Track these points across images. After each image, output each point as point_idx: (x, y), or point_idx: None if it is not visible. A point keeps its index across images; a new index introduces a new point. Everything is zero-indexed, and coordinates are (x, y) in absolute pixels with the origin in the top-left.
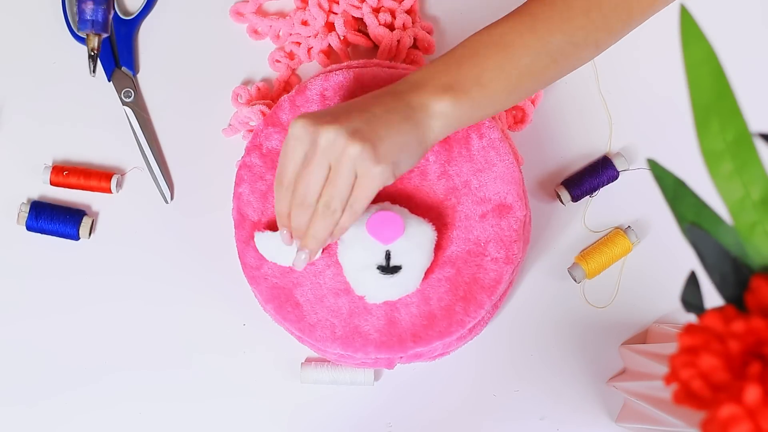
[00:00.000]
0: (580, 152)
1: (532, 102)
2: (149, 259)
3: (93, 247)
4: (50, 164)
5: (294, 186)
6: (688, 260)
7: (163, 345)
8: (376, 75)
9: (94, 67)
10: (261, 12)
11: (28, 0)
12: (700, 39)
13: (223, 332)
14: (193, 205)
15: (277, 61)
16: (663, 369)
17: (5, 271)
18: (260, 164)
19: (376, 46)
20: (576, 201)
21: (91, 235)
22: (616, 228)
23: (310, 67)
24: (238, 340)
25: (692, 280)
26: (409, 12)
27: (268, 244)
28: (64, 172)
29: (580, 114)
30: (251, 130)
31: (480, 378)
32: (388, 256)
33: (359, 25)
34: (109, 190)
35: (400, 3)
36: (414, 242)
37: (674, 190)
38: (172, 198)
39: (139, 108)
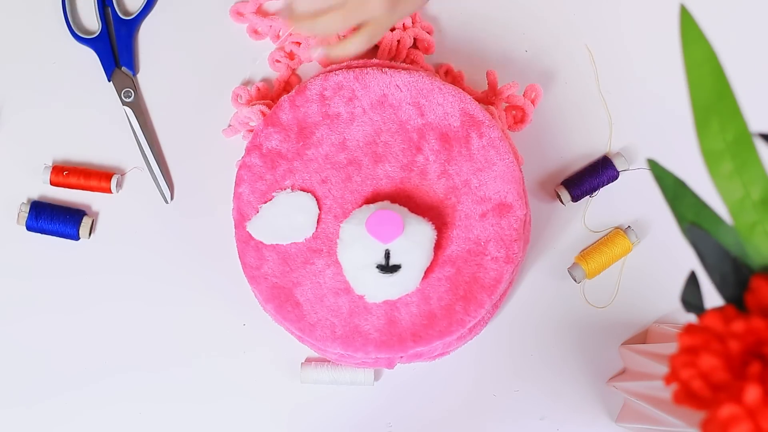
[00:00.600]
0: (580, 152)
1: (532, 102)
2: (149, 259)
3: (93, 247)
4: (50, 164)
5: None
6: (688, 260)
7: (163, 345)
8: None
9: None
10: (261, 12)
11: (28, 0)
12: (700, 39)
13: (223, 332)
14: (193, 205)
15: (277, 61)
16: (663, 369)
17: (5, 271)
18: (260, 164)
19: (376, 46)
20: (576, 201)
21: (91, 235)
22: (616, 228)
23: (310, 67)
24: (238, 340)
25: (692, 280)
26: None
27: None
28: (64, 172)
29: (580, 114)
30: (251, 130)
31: (480, 378)
32: (387, 255)
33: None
34: (109, 190)
35: None
36: (414, 241)
37: (674, 190)
38: (172, 198)
39: (139, 108)
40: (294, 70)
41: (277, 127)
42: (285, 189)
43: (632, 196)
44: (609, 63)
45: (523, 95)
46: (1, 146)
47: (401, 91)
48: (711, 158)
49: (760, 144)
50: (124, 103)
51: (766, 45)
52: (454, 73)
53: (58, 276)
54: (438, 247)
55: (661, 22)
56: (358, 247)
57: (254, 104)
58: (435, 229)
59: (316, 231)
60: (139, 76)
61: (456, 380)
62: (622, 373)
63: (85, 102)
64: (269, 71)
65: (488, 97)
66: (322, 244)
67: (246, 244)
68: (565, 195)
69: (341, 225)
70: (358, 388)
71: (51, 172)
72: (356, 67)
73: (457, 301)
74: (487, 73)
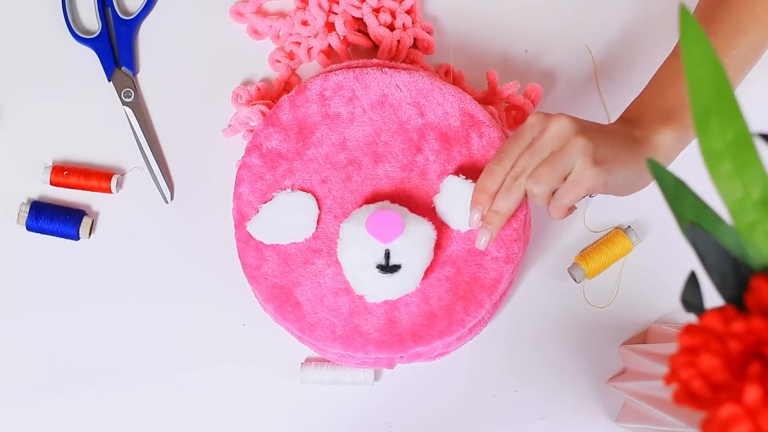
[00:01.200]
0: None
1: (533, 102)
2: (149, 259)
3: (93, 247)
4: (50, 164)
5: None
6: (688, 260)
7: (162, 345)
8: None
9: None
10: (261, 12)
11: (28, 0)
12: (700, 39)
13: (223, 332)
14: (193, 205)
15: (277, 61)
16: (663, 369)
17: (5, 271)
18: (260, 164)
19: (376, 46)
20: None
21: (91, 235)
22: (616, 228)
23: (310, 67)
24: (238, 340)
25: (692, 280)
26: (409, 12)
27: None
28: (64, 172)
29: (580, 114)
30: (251, 130)
31: (480, 378)
32: (387, 255)
33: (359, 25)
34: (109, 190)
35: (400, 3)
36: (414, 241)
37: (674, 190)
38: (172, 198)
39: (139, 108)
40: (294, 70)
41: (277, 127)
42: (285, 189)
43: (632, 196)
44: (609, 63)
45: (523, 95)
46: (1, 146)
47: (401, 91)
48: (711, 158)
49: (760, 144)
50: (124, 103)
51: None
52: (454, 73)
53: (58, 276)
54: (438, 246)
55: (661, 22)
56: (358, 247)
57: (254, 104)
58: (435, 229)
59: (316, 231)
60: (139, 76)
61: (456, 380)
62: (622, 373)
63: (85, 102)
64: (269, 71)
65: (488, 97)
66: (322, 244)
67: (246, 244)
68: None
69: (341, 225)
70: (358, 388)
71: (51, 172)
72: (356, 67)
73: (457, 301)
74: (487, 73)
